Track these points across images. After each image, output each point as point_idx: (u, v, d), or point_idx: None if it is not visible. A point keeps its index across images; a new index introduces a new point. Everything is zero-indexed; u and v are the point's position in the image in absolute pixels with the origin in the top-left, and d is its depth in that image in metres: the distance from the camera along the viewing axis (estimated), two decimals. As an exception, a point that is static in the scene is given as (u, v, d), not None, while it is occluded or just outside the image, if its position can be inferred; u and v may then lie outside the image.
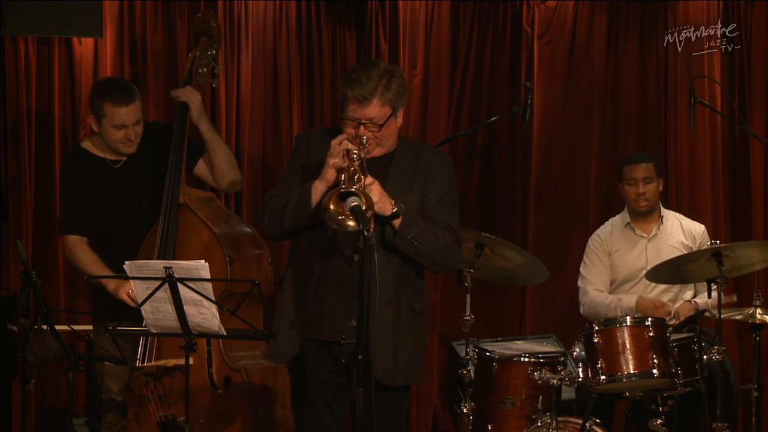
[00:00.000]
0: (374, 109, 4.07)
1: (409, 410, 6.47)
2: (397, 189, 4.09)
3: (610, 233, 5.96)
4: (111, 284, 5.02)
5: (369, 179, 3.98)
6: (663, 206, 6.01)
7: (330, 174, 4.03)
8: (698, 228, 5.94)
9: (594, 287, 5.90)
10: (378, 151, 4.14)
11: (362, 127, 4.08)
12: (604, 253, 5.93)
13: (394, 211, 4.00)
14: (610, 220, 6.04)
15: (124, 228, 5.19)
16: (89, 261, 5.16)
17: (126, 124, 5.14)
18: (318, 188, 4.05)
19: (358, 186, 3.95)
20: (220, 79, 6.22)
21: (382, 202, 3.99)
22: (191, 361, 4.43)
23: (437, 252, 4.16)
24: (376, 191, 3.99)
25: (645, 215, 5.90)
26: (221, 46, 5.99)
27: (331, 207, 3.90)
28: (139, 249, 5.13)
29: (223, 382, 5.01)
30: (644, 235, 5.88)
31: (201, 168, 5.39)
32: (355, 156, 4.01)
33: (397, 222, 4.03)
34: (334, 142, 4.05)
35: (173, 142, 5.21)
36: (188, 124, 5.25)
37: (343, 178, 3.99)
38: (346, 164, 4.00)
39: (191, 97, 5.27)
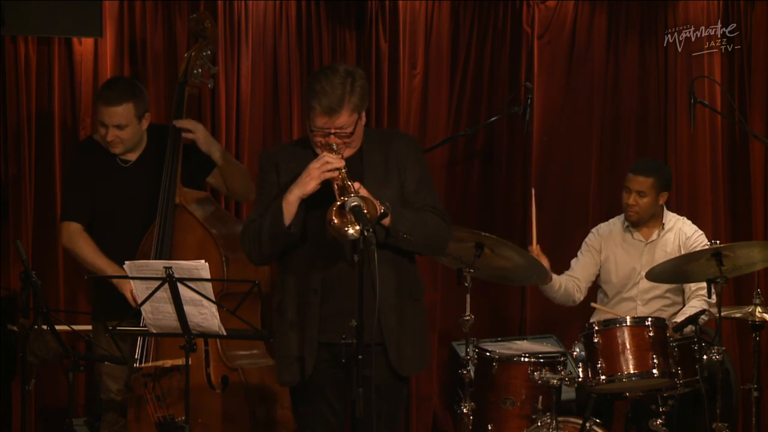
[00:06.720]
0: (343, 119, 4.06)
1: (409, 409, 6.51)
2: (375, 186, 4.09)
3: (609, 232, 5.92)
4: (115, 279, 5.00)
5: (357, 184, 4.00)
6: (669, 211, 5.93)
7: (312, 186, 4.00)
8: (689, 230, 5.80)
9: (570, 275, 5.87)
10: (347, 152, 4.14)
11: (332, 135, 4.07)
12: (596, 250, 5.89)
13: (382, 211, 4.00)
14: (617, 217, 5.95)
15: (122, 226, 5.19)
16: (88, 249, 5.15)
17: (105, 123, 5.11)
18: (290, 200, 4.03)
19: (352, 188, 3.96)
20: (219, 79, 6.23)
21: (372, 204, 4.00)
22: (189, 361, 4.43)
23: (430, 239, 4.20)
24: (364, 194, 3.98)
25: (637, 225, 5.84)
26: (217, 47, 5.98)
27: (335, 220, 3.90)
28: (136, 248, 5.12)
29: (221, 382, 5.01)
30: (642, 239, 5.84)
31: (214, 179, 5.37)
32: (340, 165, 4.01)
33: (386, 221, 4.03)
34: (320, 159, 4.02)
35: (168, 147, 5.19)
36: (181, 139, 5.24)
37: (335, 188, 3.99)
38: (334, 175, 4.00)
39: (193, 128, 5.23)
